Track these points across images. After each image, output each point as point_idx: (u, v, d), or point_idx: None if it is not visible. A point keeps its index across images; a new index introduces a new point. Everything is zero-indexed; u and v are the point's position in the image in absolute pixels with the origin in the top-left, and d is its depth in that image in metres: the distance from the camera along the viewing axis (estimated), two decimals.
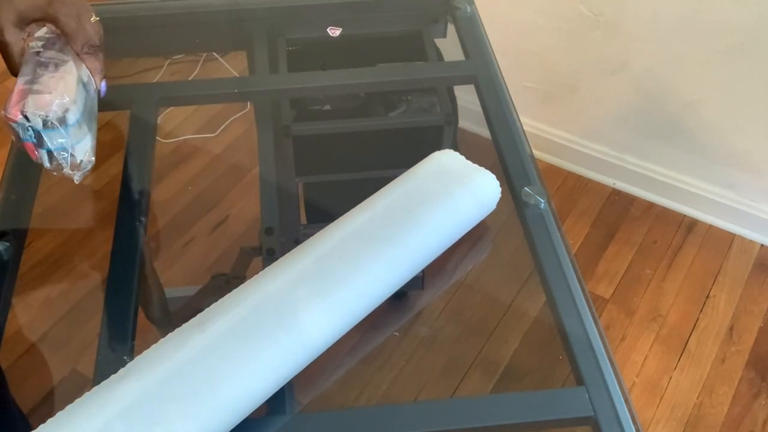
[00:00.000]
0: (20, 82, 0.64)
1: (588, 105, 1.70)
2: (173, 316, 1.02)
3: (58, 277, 1.35)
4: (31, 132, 0.62)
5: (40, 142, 0.63)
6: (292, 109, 1.05)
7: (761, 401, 1.39)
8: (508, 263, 0.88)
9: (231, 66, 1.43)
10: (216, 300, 0.62)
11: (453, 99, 1.07)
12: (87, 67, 0.69)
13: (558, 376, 0.71)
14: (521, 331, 1.36)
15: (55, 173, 0.66)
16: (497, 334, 1.32)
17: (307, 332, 0.60)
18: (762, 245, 1.66)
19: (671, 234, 1.68)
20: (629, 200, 1.75)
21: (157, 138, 0.86)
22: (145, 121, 0.86)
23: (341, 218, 0.70)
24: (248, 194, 1.54)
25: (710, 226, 1.69)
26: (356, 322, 0.64)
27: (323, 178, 1.12)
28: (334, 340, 0.62)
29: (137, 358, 0.57)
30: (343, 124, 1.07)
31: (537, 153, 1.79)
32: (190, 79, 1.46)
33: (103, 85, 0.71)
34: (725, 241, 1.67)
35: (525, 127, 0.87)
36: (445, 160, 0.76)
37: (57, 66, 0.66)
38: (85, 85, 0.68)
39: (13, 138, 0.63)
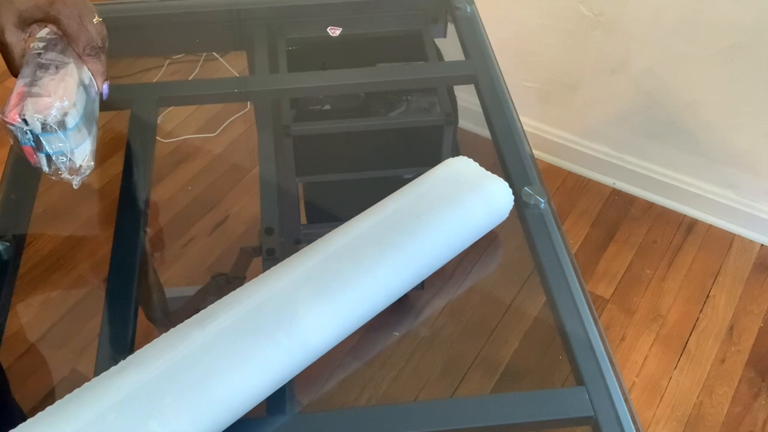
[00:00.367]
0: (19, 84, 0.63)
1: (588, 105, 1.70)
2: (173, 316, 1.02)
3: (58, 277, 1.35)
4: (29, 135, 0.62)
5: (38, 146, 0.62)
6: (292, 109, 1.05)
7: (761, 401, 1.39)
8: (508, 263, 0.88)
9: (231, 66, 1.43)
10: (216, 300, 0.62)
11: (453, 99, 1.07)
12: (89, 69, 0.68)
13: (558, 376, 0.71)
14: (521, 331, 1.36)
15: (53, 177, 0.65)
16: (497, 334, 1.32)
17: (309, 333, 0.59)
18: (762, 245, 1.66)
19: (671, 234, 1.68)
20: (629, 200, 1.75)
21: (157, 138, 0.86)
22: (145, 121, 0.86)
23: (350, 221, 0.69)
24: (248, 194, 1.55)
25: (710, 226, 1.69)
26: (359, 326, 0.64)
27: (323, 178, 1.12)
28: (336, 343, 0.62)
29: (137, 352, 0.57)
30: (343, 124, 1.07)
31: (537, 153, 1.79)
32: (190, 78, 1.46)
33: (105, 87, 0.70)
34: (725, 241, 1.67)
35: (525, 127, 0.87)
36: (458, 166, 0.74)
37: (58, 68, 0.65)
38: (86, 88, 0.67)
39: (12, 141, 0.63)
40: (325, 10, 1.05)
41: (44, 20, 0.66)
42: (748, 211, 1.64)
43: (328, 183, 1.15)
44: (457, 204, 0.70)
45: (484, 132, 0.87)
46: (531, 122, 1.80)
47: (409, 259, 0.66)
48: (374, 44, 1.10)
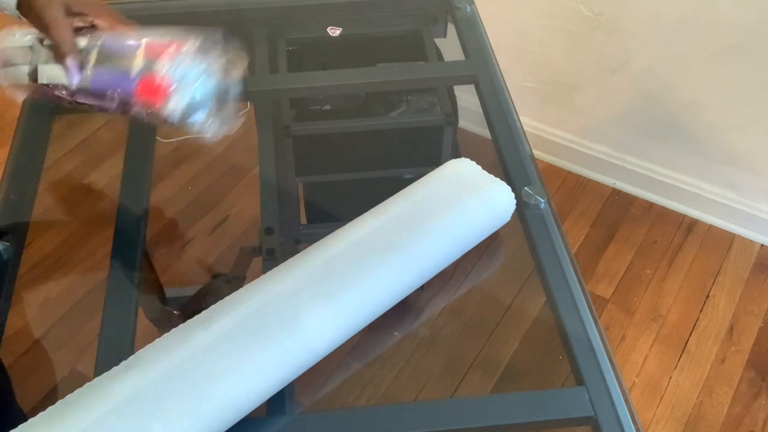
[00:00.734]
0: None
1: (588, 105, 1.70)
2: (173, 317, 1.02)
3: (58, 277, 1.35)
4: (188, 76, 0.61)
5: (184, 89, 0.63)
6: (292, 109, 1.05)
7: (761, 401, 1.39)
8: (508, 263, 0.88)
9: None
10: (215, 300, 0.62)
11: (453, 99, 1.07)
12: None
13: (558, 376, 0.71)
14: (521, 331, 1.36)
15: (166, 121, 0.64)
16: (497, 334, 1.32)
17: (311, 335, 0.59)
18: (762, 245, 1.66)
19: (671, 234, 1.68)
20: (629, 200, 1.75)
21: (157, 138, 0.86)
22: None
23: (352, 222, 0.69)
24: (248, 194, 1.55)
25: (710, 226, 1.69)
26: (360, 328, 0.63)
27: (323, 178, 1.12)
28: (338, 344, 0.62)
29: (139, 352, 0.57)
30: (343, 124, 1.07)
31: (537, 153, 1.79)
32: None
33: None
34: (725, 241, 1.67)
35: (525, 127, 0.87)
36: (461, 169, 0.74)
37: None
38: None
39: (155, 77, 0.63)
40: (325, 10, 1.05)
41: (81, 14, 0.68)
42: (748, 211, 1.64)
43: (328, 183, 1.15)
44: (459, 207, 0.70)
45: (484, 132, 0.87)
46: (531, 122, 1.80)
47: (411, 262, 0.66)
48: (374, 44, 1.10)
